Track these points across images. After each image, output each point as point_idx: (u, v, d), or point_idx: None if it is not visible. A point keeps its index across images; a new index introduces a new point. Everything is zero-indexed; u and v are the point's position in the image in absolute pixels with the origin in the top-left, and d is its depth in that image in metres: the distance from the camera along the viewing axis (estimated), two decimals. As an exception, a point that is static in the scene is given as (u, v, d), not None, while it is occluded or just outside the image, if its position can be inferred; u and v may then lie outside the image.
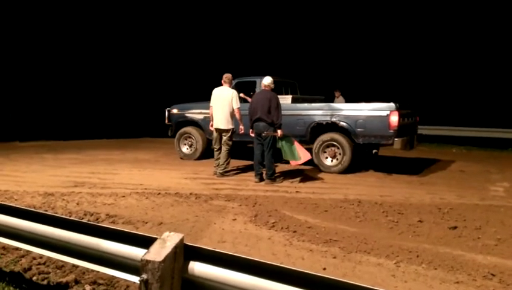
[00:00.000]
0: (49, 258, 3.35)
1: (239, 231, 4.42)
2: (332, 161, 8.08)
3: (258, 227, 4.57)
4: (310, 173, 7.78)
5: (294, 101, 8.93)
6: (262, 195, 6.10)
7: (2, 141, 14.32)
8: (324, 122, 8.17)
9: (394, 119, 7.42)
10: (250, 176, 7.46)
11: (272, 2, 22.89)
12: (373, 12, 21.42)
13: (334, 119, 8.05)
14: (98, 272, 2.83)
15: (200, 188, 6.58)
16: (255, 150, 7.23)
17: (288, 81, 10.21)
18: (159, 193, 6.13)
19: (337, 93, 12.88)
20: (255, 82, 9.10)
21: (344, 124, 7.94)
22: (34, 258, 3.48)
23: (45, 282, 3.15)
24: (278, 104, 6.92)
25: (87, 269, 3.10)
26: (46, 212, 2.84)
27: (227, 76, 7.73)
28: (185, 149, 9.90)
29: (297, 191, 6.35)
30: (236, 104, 7.46)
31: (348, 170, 7.96)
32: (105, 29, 20.84)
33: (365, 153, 8.90)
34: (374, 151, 8.72)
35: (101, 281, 3.09)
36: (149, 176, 7.60)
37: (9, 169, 8.27)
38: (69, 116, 18.99)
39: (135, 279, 2.31)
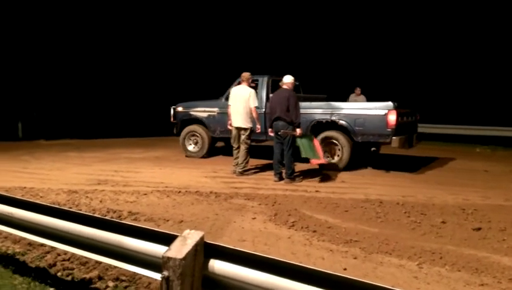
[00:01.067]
0: (73, 254, 3.43)
1: (259, 230, 4.43)
2: (332, 158, 8.18)
3: (278, 226, 4.57)
4: (329, 172, 7.73)
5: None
6: (281, 194, 6.10)
7: (28, 140, 14.75)
8: (324, 121, 8.27)
9: (392, 118, 7.49)
10: (270, 175, 7.46)
11: (278, 1, 23.08)
12: (380, 11, 21.27)
13: (333, 118, 8.13)
14: (121, 268, 2.87)
15: (220, 187, 6.62)
16: (274, 149, 7.22)
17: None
18: (180, 191, 6.19)
19: (357, 91, 12.66)
20: (257, 81, 9.12)
21: (343, 122, 8.03)
22: (59, 255, 3.56)
23: (69, 278, 3.23)
24: (297, 103, 6.90)
25: (110, 266, 3.15)
26: (71, 210, 2.90)
27: (244, 75, 7.77)
28: (191, 147, 9.99)
29: (316, 191, 6.32)
30: (253, 103, 7.48)
31: (348, 167, 8.04)
32: (121, 33, 21.56)
33: (365, 151, 8.84)
34: (373, 149, 8.78)
35: (123, 278, 3.15)
36: (170, 175, 7.69)
37: (34, 167, 8.50)
38: (91, 116, 19.55)
39: (156, 276, 2.35)
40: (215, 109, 9.55)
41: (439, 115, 15.15)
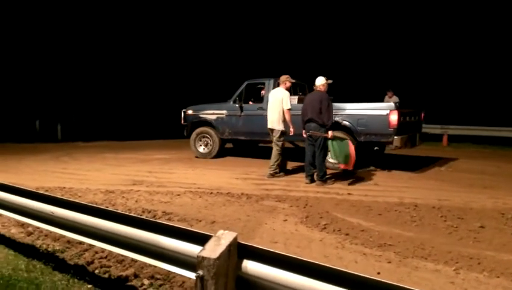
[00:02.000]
0: (110, 252, 3.53)
1: (290, 232, 4.42)
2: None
3: (309, 229, 4.54)
4: (362, 175, 7.62)
5: (301, 101, 9.00)
6: (313, 196, 6.06)
7: (66, 141, 15.32)
8: None
9: (394, 118, 7.62)
10: (301, 177, 7.43)
11: (288, 5, 23.50)
12: (388, 12, 21.01)
13: (337, 118, 8.12)
14: (156, 267, 2.93)
15: (251, 189, 6.65)
16: (306, 150, 7.19)
17: (298, 83, 10.34)
18: (212, 193, 6.27)
19: (389, 94, 12.46)
20: (264, 84, 9.40)
21: (346, 122, 8.18)
22: (96, 252, 3.67)
23: (106, 275, 3.32)
24: (329, 105, 6.85)
25: (146, 264, 3.23)
26: (109, 209, 2.99)
27: (281, 77, 7.82)
28: (201, 148, 10.22)
29: (349, 193, 6.24)
30: (285, 105, 7.48)
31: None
32: (143, 46, 24.17)
33: (369, 151, 8.96)
34: (376, 148, 8.82)
35: (158, 276, 3.21)
36: (202, 176, 7.79)
37: (73, 168, 8.81)
38: (122, 119, 20.54)
39: (190, 275, 2.39)
40: (224, 112, 9.84)
41: (466, 116, 14.76)
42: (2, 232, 4.33)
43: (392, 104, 7.73)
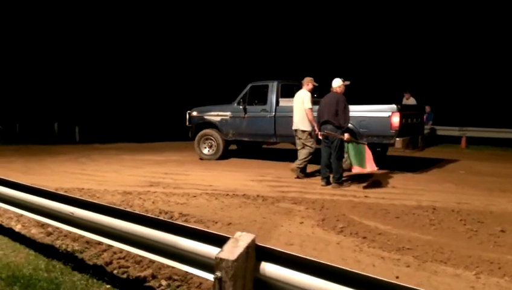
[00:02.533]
0: (128, 253, 3.56)
1: (306, 235, 4.40)
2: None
3: (326, 231, 4.51)
4: (378, 177, 7.53)
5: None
6: (329, 199, 6.02)
7: (84, 143, 15.57)
8: None
9: (395, 120, 7.65)
10: (317, 179, 7.39)
11: (293, 9, 23.82)
12: (406, 12, 20.90)
13: None
14: (173, 268, 2.96)
15: (267, 191, 6.64)
16: (322, 152, 7.15)
17: (301, 85, 10.42)
18: (227, 194, 6.28)
19: (406, 95, 12.33)
20: (267, 86, 9.52)
21: (349, 124, 7.97)
22: (115, 253, 3.71)
23: (125, 276, 3.36)
24: (346, 107, 6.80)
25: (163, 265, 3.25)
26: (128, 210, 3.02)
27: (304, 79, 7.85)
28: (205, 150, 10.29)
29: (366, 196, 6.18)
30: (306, 105, 7.52)
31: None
32: (152, 51, 25.90)
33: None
34: (378, 149, 8.80)
35: (175, 277, 3.23)
36: (217, 178, 7.82)
37: (91, 169, 8.95)
38: (139, 121, 21.02)
39: (208, 276, 2.40)
40: (228, 113, 9.95)
41: (485, 118, 14.50)
42: (23, 233, 4.42)
43: (393, 106, 7.74)
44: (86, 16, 24.64)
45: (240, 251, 2.11)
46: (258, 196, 6.20)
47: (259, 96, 9.70)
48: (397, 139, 7.74)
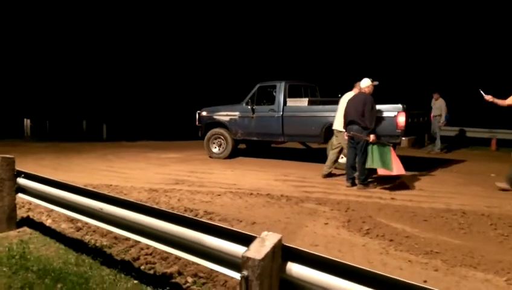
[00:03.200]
0: (154, 249, 3.63)
1: (331, 236, 4.36)
2: (344, 158, 8.35)
3: (351, 233, 4.46)
4: (405, 179, 7.39)
5: (310, 103, 9.47)
6: (354, 200, 5.95)
7: (111, 141, 15.91)
8: None
9: (401, 119, 7.70)
10: (342, 180, 7.32)
11: (308, 8, 24.44)
12: (404, 17, 20.57)
13: None
14: (199, 265, 2.98)
15: (291, 190, 6.62)
16: (347, 153, 7.08)
17: (309, 85, 10.84)
18: (251, 193, 6.29)
19: (435, 96, 12.04)
20: (275, 86, 9.67)
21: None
22: (142, 249, 3.77)
23: (151, 272, 3.41)
24: (373, 108, 6.70)
25: (189, 262, 3.28)
26: (155, 206, 3.06)
27: (357, 82, 7.72)
28: (215, 149, 10.48)
29: (392, 198, 6.07)
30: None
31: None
32: (167, 55, 28.38)
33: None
34: None
35: (201, 274, 3.26)
36: (241, 177, 7.84)
37: (118, 166, 9.12)
38: (165, 119, 21.50)
39: (233, 274, 2.41)
40: (237, 113, 10.15)
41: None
42: (53, 227, 4.55)
43: (399, 105, 7.74)
44: (119, 23, 26.76)
45: (267, 251, 2.10)
46: (282, 195, 6.18)
47: (267, 97, 9.84)
48: (403, 138, 7.82)
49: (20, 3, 25.06)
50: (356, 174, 6.94)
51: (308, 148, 11.63)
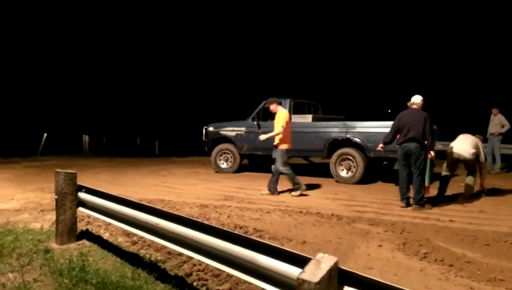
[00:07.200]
0: (207, 265, 3.65)
1: (386, 259, 4.19)
2: (347, 173, 9.25)
3: (408, 256, 4.26)
4: (464, 200, 7.01)
5: (314, 120, 10.07)
6: (410, 221, 5.70)
7: (163, 156, 16.43)
8: (340, 138, 9.34)
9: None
10: (395, 199, 7.06)
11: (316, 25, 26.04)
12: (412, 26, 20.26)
13: (348, 136, 9.20)
14: (251, 284, 2.96)
15: (341, 209, 6.47)
16: (400, 171, 6.81)
17: (311, 103, 11.43)
18: (301, 211, 6.21)
19: (494, 111, 11.43)
20: (280, 103, 9.61)
21: (357, 139, 9.09)
22: (194, 265, 3.81)
23: (204, 288, 3.43)
24: (431, 125, 6.48)
25: (241, 280, 3.27)
26: (208, 223, 3.10)
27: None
28: (223, 165, 10.86)
29: (450, 220, 5.76)
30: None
31: (363, 181, 9.00)
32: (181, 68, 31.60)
33: (378, 166, 9.54)
34: (384, 163, 9.22)
35: (253, 294, 3.24)
36: (289, 194, 7.77)
37: (171, 182, 9.38)
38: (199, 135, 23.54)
39: (287, 296, 2.37)
40: (243, 128, 10.58)
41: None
42: (110, 241, 4.71)
43: None
44: (142, 38, 29.74)
45: (323, 274, 2.05)
46: (332, 214, 6.06)
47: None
48: None
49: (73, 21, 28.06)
50: (411, 193, 6.68)
51: (311, 163, 12.08)
